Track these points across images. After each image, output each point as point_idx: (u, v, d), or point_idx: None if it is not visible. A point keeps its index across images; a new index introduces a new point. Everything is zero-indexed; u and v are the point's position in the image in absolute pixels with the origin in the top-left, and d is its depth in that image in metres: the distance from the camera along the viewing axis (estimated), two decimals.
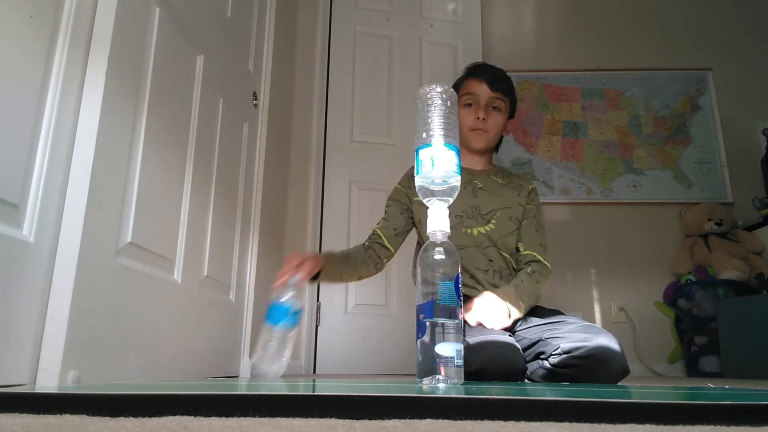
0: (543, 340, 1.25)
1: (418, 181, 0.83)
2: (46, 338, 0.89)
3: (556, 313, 1.44)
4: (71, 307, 0.91)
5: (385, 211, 1.58)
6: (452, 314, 0.77)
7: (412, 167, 1.49)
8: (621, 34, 3.29)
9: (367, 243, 1.54)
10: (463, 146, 1.54)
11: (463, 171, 1.50)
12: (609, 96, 3.22)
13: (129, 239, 1.10)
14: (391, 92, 2.88)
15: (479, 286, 1.44)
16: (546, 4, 3.39)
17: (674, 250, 2.93)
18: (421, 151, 0.82)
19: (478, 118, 1.47)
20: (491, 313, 1.26)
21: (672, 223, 3.00)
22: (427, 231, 0.81)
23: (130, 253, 1.11)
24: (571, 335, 1.19)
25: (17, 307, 0.85)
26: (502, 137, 1.60)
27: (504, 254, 1.48)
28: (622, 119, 3.18)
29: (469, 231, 1.47)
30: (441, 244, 0.79)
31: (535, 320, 1.36)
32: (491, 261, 1.46)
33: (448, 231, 0.80)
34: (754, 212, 2.93)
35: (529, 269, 1.46)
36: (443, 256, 0.78)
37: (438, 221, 0.80)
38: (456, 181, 0.82)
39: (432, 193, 0.81)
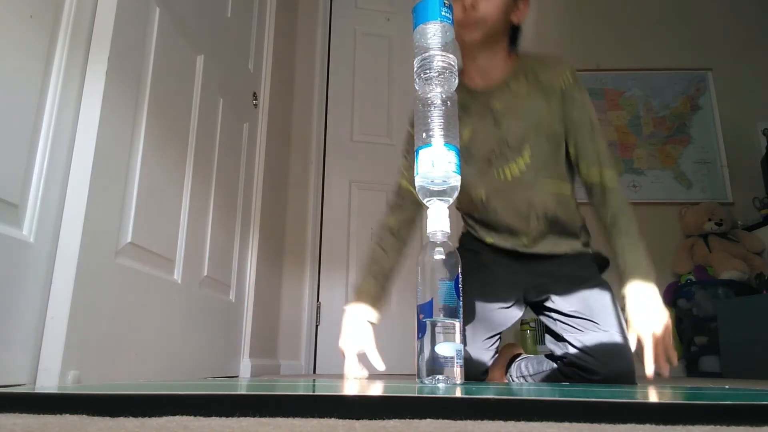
0: (563, 342, 1.16)
1: (418, 182, 0.82)
2: (46, 338, 0.89)
3: (596, 278, 1.22)
4: (71, 307, 0.91)
5: (403, 165, 1.31)
6: (452, 314, 0.77)
7: None
8: (621, 34, 3.29)
9: (393, 223, 1.25)
10: (463, 53, 1.23)
11: (475, 93, 1.21)
12: (609, 96, 3.22)
13: (129, 239, 1.10)
14: (391, 92, 2.88)
15: (518, 241, 1.23)
16: (545, 4, 3.39)
17: (674, 250, 2.93)
18: (421, 152, 0.82)
19: (465, 8, 1.12)
20: (660, 331, 1.07)
21: (672, 223, 3.00)
22: (427, 231, 0.81)
23: (130, 253, 1.11)
24: (589, 349, 1.09)
25: (17, 307, 0.85)
26: (518, 26, 1.23)
27: (548, 190, 1.20)
28: (622, 119, 3.18)
29: (502, 174, 1.21)
30: (441, 244, 0.79)
31: (572, 301, 1.18)
32: (531, 205, 1.20)
33: (448, 231, 0.80)
34: (754, 212, 2.93)
35: (623, 215, 1.15)
36: (443, 256, 0.78)
37: (438, 221, 0.80)
38: (456, 181, 0.82)
39: (432, 193, 0.81)
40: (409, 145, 1.29)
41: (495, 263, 1.27)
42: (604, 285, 1.21)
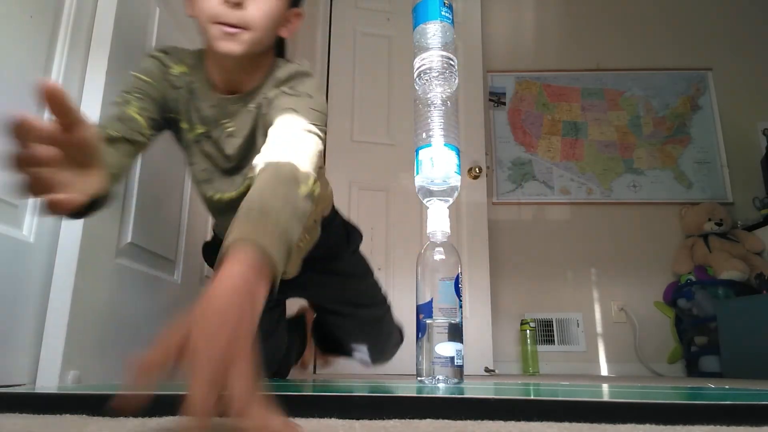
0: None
1: (418, 181, 0.82)
2: (46, 338, 0.89)
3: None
4: (71, 307, 0.91)
5: (127, 100, 0.87)
6: (452, 314, 0.77)
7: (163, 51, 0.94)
8: (621, 34, 3.29)
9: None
10: (210, 54, 0.92)
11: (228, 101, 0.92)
12: (609, 96, 3.22)
13: (129, 239, 1.10)
14: (391, 92, 2.88)
15: None
16: (546, 4, 3.39)
17: (674, 250, 2.93)
18: (421, 152, 0.82)
19: (227, 2, 0.82)
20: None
21: (672, 223, 3.00)
22: (427, 231, 0.81)
23: (130, 253, 1.11)
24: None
25: (17, 306, 0.85)
26: (283, 39, 0.99)
27: None
28: (622, 119, 3.18)
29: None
30: (441, 245, 0.79)
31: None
32: None
33: (448, 231, 0.80)
34: (754, 212, 2.93)
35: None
36: (443, 256, 0.78)
37: (438, 221, 0.80)
38: (456, 181, 0.82)
39: (431, 193, 0.81)
40: (144, 94, 0.89)
41: None
42: None
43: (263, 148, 0.74)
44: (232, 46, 0.85)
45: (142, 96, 0.88)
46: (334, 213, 1.24)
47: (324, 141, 0.85)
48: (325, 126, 0.87)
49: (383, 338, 1.37)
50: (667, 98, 3.19)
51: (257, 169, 0.69)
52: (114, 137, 0.81)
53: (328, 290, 1.26)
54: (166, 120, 0.95)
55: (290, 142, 0.76)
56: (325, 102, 0.91)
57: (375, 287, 1.36)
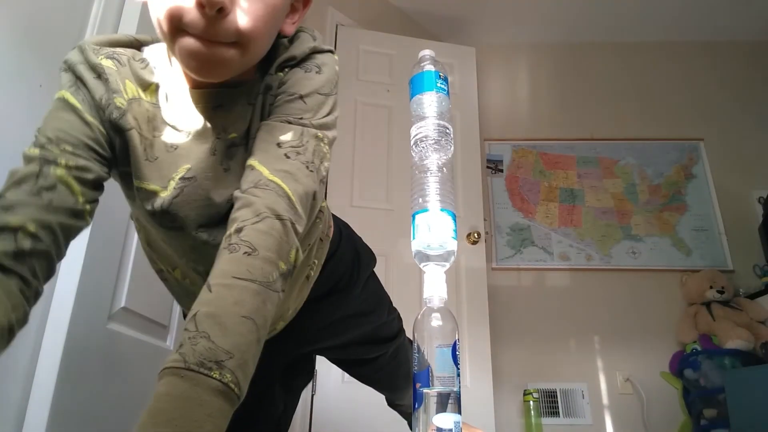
0: None
1: (415, 246, 0.82)
2: (30, 409, 0.86)
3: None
4: (58, 376, 0.88)
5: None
6: (450, 383, 0.74)
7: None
8: (612, 105, 3.40)
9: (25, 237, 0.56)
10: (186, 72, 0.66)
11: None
12: (604, 164, 3.28)
13: (123, 303, 1.09)
14: (390, 159, 2.93)
15: None
16: (539, 77, 3.53)
17: (677, 318, 2.89)
18: (417, 217, 0.83)
19: (201, 5, 0.56)
20: None
21: (674, 291, 2.97)
22: (424, 296, 0.80)
23: (122, 319, 1.10)
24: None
25: (2, 376, 0.83)
26: (279, 35, 0.71)
27: None
28: (618, 187, 3.22)
29: None
30: (438, 310, 0.78)
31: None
32: None
33: (445, 296, 0.79)
34: (755, 280, 2.91)
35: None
36: (440, 322, 0.77)
37: (435, 286, 0.79)
38: (453, 245, 0.82)
39: (428, 258, 0.81)
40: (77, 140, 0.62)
41: None
42: None
43: (235, 209, 0.58)
44: (212, 73, 0.62)
45: (75, 147, 0.58)
46: (338, 240, 0.98)
47: (329, 143, 0.69)
48: (334, 125, 0.71)
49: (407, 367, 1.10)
50: (661, 167, 3.25)
51: (222, 253, 0.54)
52: (21, 250, 0.52)
53: (336, 339, 1.02)
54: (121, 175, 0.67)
55: (269, 193, 0.59)
56: (333, 80, 0.72)
57: (393, 319, 1.13)
